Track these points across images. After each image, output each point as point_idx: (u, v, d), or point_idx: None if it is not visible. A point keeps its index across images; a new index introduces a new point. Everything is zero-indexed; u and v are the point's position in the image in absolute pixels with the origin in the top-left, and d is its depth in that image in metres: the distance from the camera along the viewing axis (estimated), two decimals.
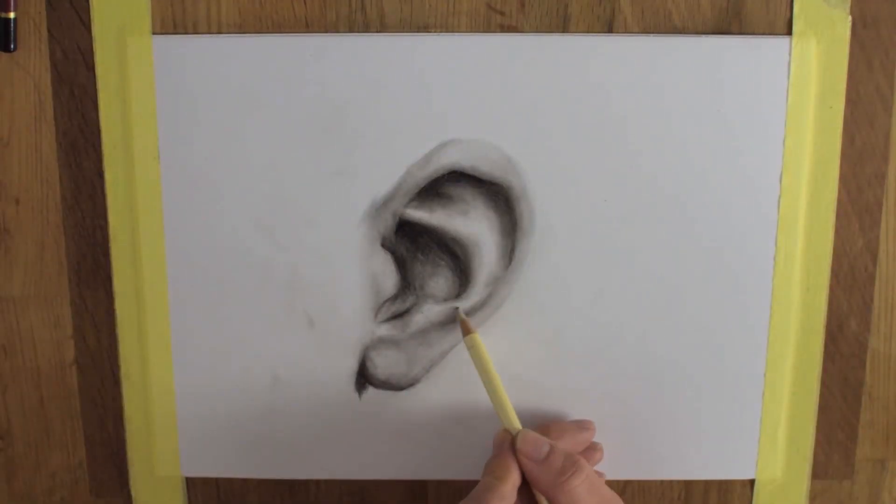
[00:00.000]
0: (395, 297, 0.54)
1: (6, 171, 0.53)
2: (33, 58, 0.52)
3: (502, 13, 0.52)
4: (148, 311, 0.54)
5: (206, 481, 0.57)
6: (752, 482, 0.57)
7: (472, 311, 0.54)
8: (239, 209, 0.53)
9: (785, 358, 0.55)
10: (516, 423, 0.51)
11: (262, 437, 0.56)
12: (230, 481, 0.57)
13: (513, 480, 0.49)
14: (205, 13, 0.52)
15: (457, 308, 0.54)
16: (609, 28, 0.52)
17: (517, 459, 0.50)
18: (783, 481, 0.57)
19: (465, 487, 0.57)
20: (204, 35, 0.52)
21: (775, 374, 0.55)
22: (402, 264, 0.54)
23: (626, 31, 0.52)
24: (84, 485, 0.57)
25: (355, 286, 0.54)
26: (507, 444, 0.50)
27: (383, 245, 0.54)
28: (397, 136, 0.52)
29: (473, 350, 0.52)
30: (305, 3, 0.52)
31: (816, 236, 0.54)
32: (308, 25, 0.52)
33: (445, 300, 0.54)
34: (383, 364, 0.55)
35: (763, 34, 0.52)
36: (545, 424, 0.53)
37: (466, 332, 0.53)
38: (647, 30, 0.52)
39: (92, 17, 0.52)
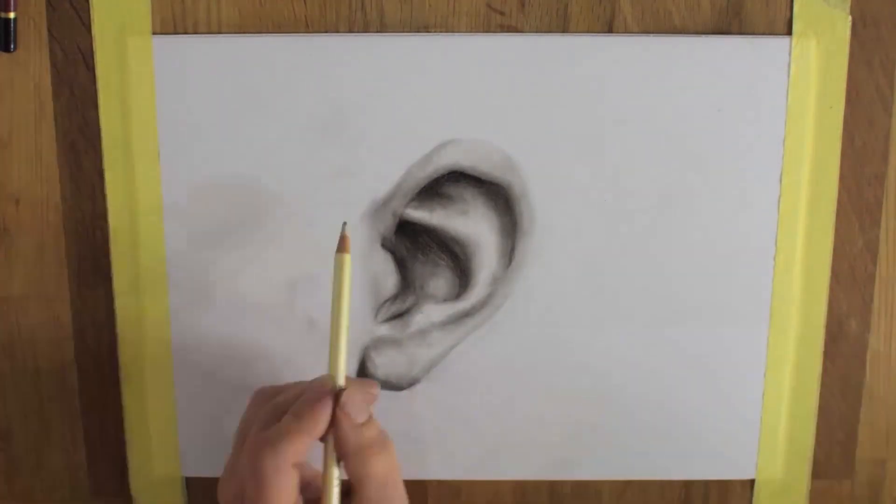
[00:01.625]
0: (395, 297, 0.54)
1: (6, 171, 0.53)
2: (33, 58, 0.52)
3: (502, 13, 0.52)
4: (148, 311, 0.54)
5: (206, 481, 0.57)
6: (752, 482, 0.57)
7: (472, 311, 0.54)
8: (239, 208, 0.53)
9: (785, 358, 0.55)
10: (342, 376, 0.47)
11: None
12: None
13: (316, 434, 0.46)
14: (205, 13, 0.52)
15: (344, 223, 0.50)
16: (609, 28, 0.52)
17: (334, 414, 0.46)
18: (783, 481, 0.57)
19: (466, 487, 0.57)
20: (204, 35, 0.52)
21: (775, 374, 0.55)
22: (402, 264, 0.54)
23: (626, 31, 0.52)
24: (84, 485, 0.57)
25: (355, 286, 0.54)
26: (328, 394, 0.46)
27: (383, 245, 0.54)
28: (397, 136, 0.52)
29: (338, 271, 0.48)
30: (305, 3, 0.52)
31: (816, 236, 0.54)
32: (308, 25, 0.52)
33: (445, 300, 0.54)
34: (383, 364, 0.55)
35: (763, 34, 0.52)
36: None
37: (342, 249, 0.48)
38: (647, 30, 0.52)
39: (92, 17, 0.52)
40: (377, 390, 0.49)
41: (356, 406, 0.46)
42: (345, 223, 0.49)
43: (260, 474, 0.45)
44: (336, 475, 0.46)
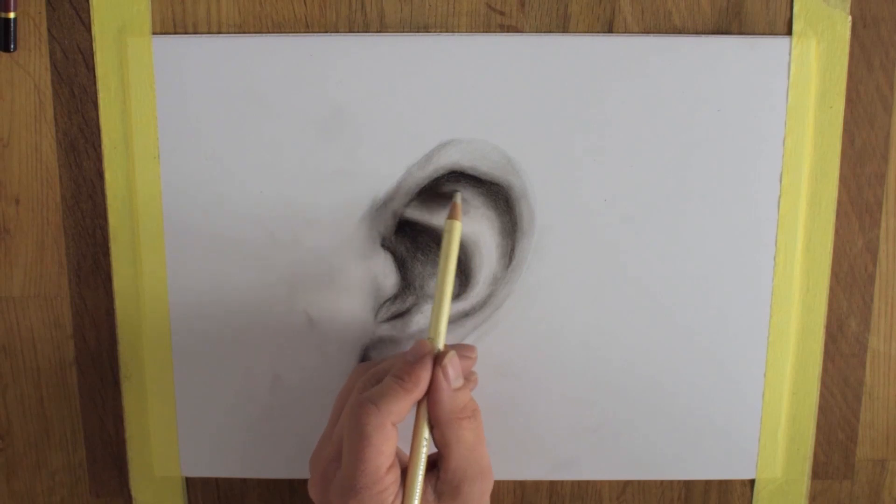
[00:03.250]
0: (395, 297, 0.54)
1: (6, 171, 0.54)
2: (33, 58, 0.52)
3: (502, 13, 0.52)
4: (148, 311, 0.54)
5: (206, 481, 0.57)
6: (752, 482, 0.57)
7: (472, 311, 0.54)
8: (239, 209, 0.53)
9: (785, 358, 0.55)
10: (442, 339, 0.49)
11: (262, 437, 0.56)
12: (230, 481, 0.57)
13: (416, 396, 0.47)
14: (205, 13, 0.52)
15: (457, 192, 0.52)
16: (609, 28, 0.52)
17: (433, 376, 0.47)
18: (783, 481, 0.57)
19: None
20: (204, 35, 0.52)
21: (775, 374, 0.55)
22: (402, 264, 0.54)
23: (626, 31, 0.52)
24: (84, 485, 0.58)
25: (355, 286, 0.54)
26: (429, 356, 0.47)
27: (383, 245, 0.54)
28: (397, 136, 0.52)
29: (447, 235, 0.50)
30: (305, 3, 0.52)
31: (816, 236, 0.54)
32: (308, 25, 0.52)
33: None
34: None
35: (763, 34, 0.52)
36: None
37: (453, 216, 0.51)
38: (647, 30, 0.52)
39: (92, 17, 0.52)
40: (475, 354, 0.52)
41: (456, 369, 0.48)
42: (458, 192, 0.52)
43: (360, 432, 0.45)
44: (426, 436, 0.47)
